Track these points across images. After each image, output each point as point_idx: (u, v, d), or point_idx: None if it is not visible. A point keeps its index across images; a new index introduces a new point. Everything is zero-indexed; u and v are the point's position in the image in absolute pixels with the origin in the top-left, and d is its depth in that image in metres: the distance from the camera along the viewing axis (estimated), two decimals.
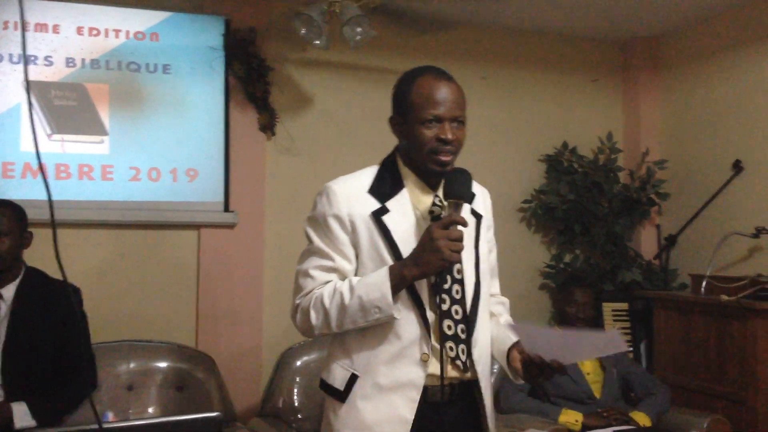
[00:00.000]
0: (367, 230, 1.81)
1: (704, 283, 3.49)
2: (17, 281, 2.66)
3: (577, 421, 3.15)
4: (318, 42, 3.42)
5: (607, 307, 4.08)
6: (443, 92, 1.81)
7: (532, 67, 4.39)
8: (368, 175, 1.89)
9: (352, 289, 1.76)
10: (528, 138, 4.34)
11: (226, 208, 3.64)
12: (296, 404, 3.22)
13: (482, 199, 2.01)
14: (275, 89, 3.76)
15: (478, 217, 1.94)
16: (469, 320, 1.83)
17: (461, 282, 1.84)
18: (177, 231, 3.58)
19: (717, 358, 3.35)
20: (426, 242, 1.71)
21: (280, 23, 3.71)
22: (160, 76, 3.56)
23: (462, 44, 4.16)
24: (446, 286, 1.81)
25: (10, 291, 2.63)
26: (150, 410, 2.93)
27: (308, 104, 3.88)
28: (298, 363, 3.31)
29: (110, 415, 2.76)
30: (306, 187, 3.84)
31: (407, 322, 1.78)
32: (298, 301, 1.85)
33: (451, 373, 1.81)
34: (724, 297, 3.29)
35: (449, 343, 1.79)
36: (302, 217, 3.81)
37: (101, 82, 3.47)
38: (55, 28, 3.42)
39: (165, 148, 3.54)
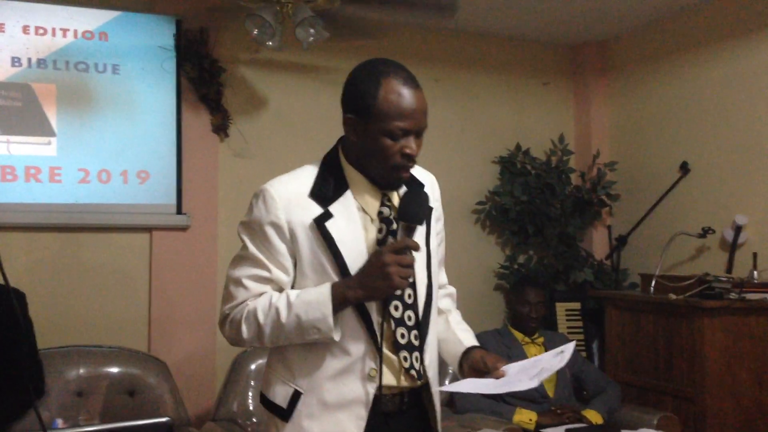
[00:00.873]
0: (308, 239, 1.67)
1: (653, 283, 3.57)
2: None
3: (531, 420, 3.19)
4: (270, 43, 3.39)
5: (561, 307, 4.14)
6: (412, 102, 1.65)
7: (484, 70, 4.43)
8: (308, 175, 1.74)
9: (290, 306, 1.63)
10: (481, 140, 4.38)
11: (179, 211, 3.59)
12: (250, 408, 3.18)
13: (430, 188, 1.86)
14: (228, 90, 3.72)
15: (428, 209, 1.80)
16: (422, 325, 1.74)
17: (413, 285, 1.73)
18: (128, 234, 3.52)
19: (666, 356, 3.42)
20: (375, 267, 1.59)
21: (233, 24, 3.67)
22: (110, 76, 3.50)
23: (415, 46, 4.18)
24: (398, 292, 1.70)
25: None
26: (100, 416, 2.87)
27: (261, 105, 3.85)
28: (252, 367, 3.27)
29: (59, 422, 2.70)
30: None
31: (353, 336, 1.67)
32: (228, 311, 1.71)
33: (404, 383, 1.72)
34: (672, 296, 3.36)
35: (403, 353, 1.70)
36: None
37: (48, 82, 3.39)
38: (0, 27, 3.32)
39: (115, 149, 3.48)
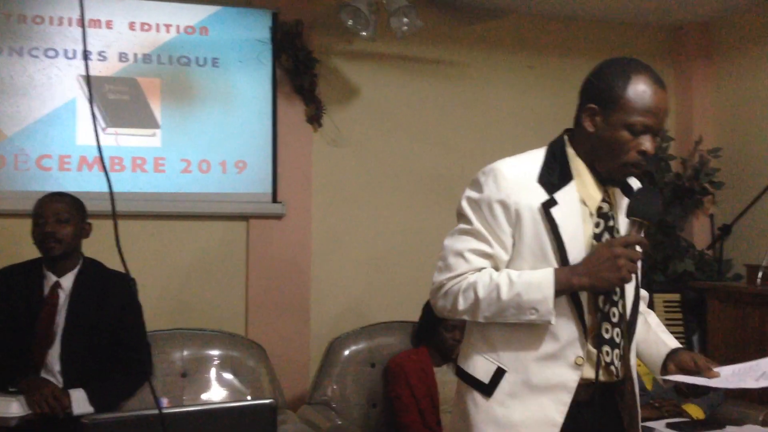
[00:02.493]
0: (533, 222, 1.70)
1: (760, 274, 3.41)
2: (75, 271, 2.73)
3: None
4: (365, 33, 3.42)
5: (659, 298, 4.01)
6: (659, 101, 1.68)
7: (579, 56, 4.32)
8: (536, 160, 1.78)
9: (511, 284, 1.66)
10: None
11: (274, 199, 3.68)
12: (345, 393, 3.25)
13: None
14: (322, 81, 3.78)
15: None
16: (629, 323, 1.76)
17: None
18: (227, 222, 3.64)
19: None
20: (605, 257, 1.62)
21: (327, 15, 3.73)
22: (210, 69, 3.61)
23: (509, 33, 4.12)
24: None
25: (69, 280, 2.71)
26: (203, 396, 2.99)
27: (354, 96, 3.89)
28: (347, 352, 3.33)
29: (165, 401, 2.82)
30: (352, 178, 3.88)
31: (564, 323, 1.70)
32: (445, 281, 1.75)
33: (602, 377, 1.74)
34: None
35: (605, 348, 1.72)
36: (349, 207, 3.86)
37: (153, 76, 3.53)
38: (108, 24, 3.49)
39: (215, 140, 3.60)
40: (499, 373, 1.73)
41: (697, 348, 3.94)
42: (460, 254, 1.74)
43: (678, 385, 1.75)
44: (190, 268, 3.57)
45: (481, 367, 1.76)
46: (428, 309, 3.38)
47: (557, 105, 4.26)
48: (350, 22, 3.36)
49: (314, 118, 3.79)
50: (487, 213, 1.72)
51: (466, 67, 4.04)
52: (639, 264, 1.73)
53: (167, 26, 3.56)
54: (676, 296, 4.00)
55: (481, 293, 1.68)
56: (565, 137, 1.82)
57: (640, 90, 1.68)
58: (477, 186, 1.77)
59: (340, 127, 3.82)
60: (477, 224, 1.73)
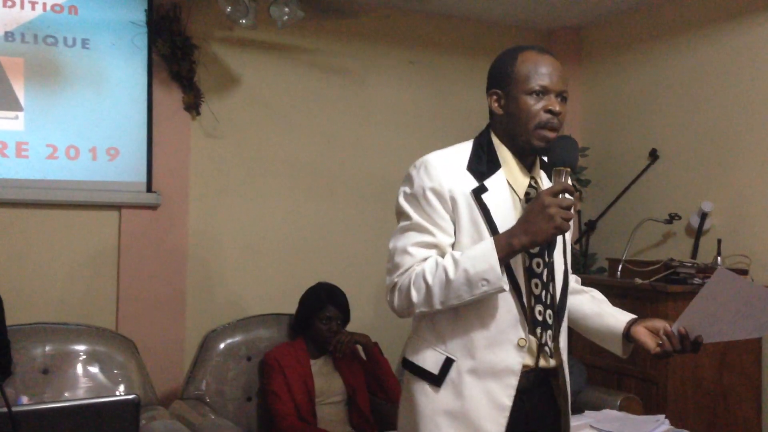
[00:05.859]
0: (467, 207, 1.74)
1: (620, 267, 3.62)
2: None
3: None
4: (244, 21, 3.36)
5: None
6: (549, 64, 1.78)
7: (459, 53, 4.43)
8: (464, 151, 1.83)
9: (456, 262, 1.67)
10: (455, 123, 4.38)
11: (149, 189, 3.55)
12: (220, 387, 3.20)
13: None
14: (201, 68, 3.68)
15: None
16: (559, 306, 1.82)
17: (550, 266, 1.80)
18: (97, 211, 3.48)
19: None
20: (537, 209, 1.62)
21: (206, 0, 3.63)
22: (79, 50, 3.44)
23: (390, 28, 4.16)
24: (538, 270, 1.78)
25: None
26: (67, 394, 2.84)
27: (235, 84, 3.82)
28: (222, 346, 3.27)
29: (24, 399, 2.67)
30: (231, 168, 3.80)
31: (504, 306, 1.74)
32: (396, 280, 1.76)
33: (540, 361, 1.79)
34: (638, 280, 3.41)
35: (539, 329, 1.77)
36: (227, 198, 3.79)
37: (16, 55, 3.32)
38: None
39: (84, 125, 3.43)
40: (448, 363, 1.77)
41: None
42: (404, 251, 1.75)
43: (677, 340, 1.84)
44: (56, 259, 3.39)
45: (430, 358, 1.79)
46: (304, 300, 3.38)
47: (435, 99, 4.36)
48: (229, 9, 3.29)
49: (192, 106, 3.68)
50: (423, 203, 1.75)
51: (348, 59, 4.05)
52: (561, 249, 1.82)
53: (32, 3, 3.36)
54: None
55: (431, 280, 1.69)
56: (490, 129, 1.87)
57: (527, 59, 1.78)
58: (409, 180, 1.80)
59: (219, 115, 3.74)
60: (416, 217, 1.75)
